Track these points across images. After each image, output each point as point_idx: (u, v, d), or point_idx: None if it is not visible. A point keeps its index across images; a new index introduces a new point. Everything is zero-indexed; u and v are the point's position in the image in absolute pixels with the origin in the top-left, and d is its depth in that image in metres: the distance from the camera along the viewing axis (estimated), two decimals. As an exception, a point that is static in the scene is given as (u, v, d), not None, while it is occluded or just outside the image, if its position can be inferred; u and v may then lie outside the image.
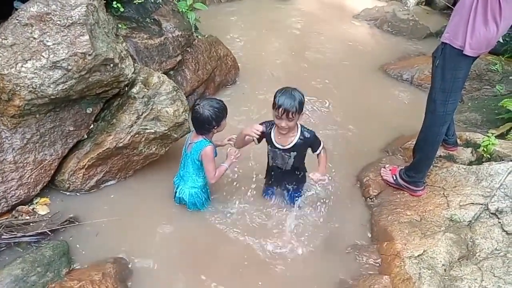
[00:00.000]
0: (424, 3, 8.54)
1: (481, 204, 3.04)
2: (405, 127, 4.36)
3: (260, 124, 2.88)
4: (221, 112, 2.92)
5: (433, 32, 6.99)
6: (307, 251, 2.98)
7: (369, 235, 3.18)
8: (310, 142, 2.91)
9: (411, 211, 3.19)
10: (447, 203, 3.15)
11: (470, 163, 3.52)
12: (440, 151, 3.55)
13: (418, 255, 2.80)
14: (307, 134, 2.88)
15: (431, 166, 3.40)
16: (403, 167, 3.44)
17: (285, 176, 3.11)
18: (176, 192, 3.13)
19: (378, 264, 2.92)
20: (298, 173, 3.11)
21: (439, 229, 2.98)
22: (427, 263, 2.74)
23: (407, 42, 6.76)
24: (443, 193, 3.25)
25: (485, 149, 3.47)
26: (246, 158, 3.43)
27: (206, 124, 2.88)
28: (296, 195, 3.23)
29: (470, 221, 3.00)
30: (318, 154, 2.97)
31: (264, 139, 2.97)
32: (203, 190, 3.12)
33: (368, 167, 3.80)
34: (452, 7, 2.91)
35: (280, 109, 2.63)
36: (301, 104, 2.68)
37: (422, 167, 3.28)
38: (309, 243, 3.04)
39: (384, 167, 3.63)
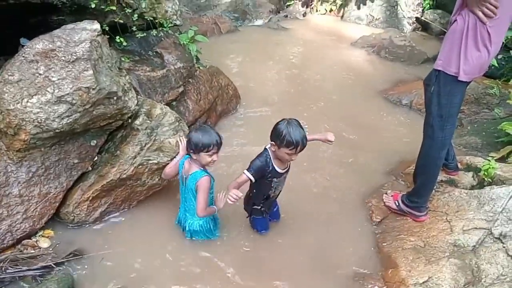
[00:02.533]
0: (420, 29, 8.69)
1: (485, 229, 3.04)
2: (406, 152, 4.39)
3: (256, 159, 2.81)
4: (194, 143, 2.78)
5: (430, 57, 7.08)
6: (309, 279, 2.96)
7: (374, 262, 3.16)
8: None
9: (414, 237, 3.19)
10: (451, 228, 3.15)
11: (472, 187, 3.54)
12: (441, 176, 3.57)
13: (423, 282, 2.78)
14: None
15: (433, 191, 3.41)
16: (405, 193, 3.45)
17: (277, 196, 3.14)
18: (185, 227, 3.10)
19: (383, 292, 2.90)
20: None
21: (443, 254, 2.97)
22: (433, 290, 2.72)
23: (405, 68, 6.85)
24: (446, 218, 3.25)
25: (486, 173, 3.49)
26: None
27: (188, 142, 2.85)
28: (276, 208, 3.30)
29: (474, 246, 2.99)
30: None
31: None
32: (211, 218, 3.12)
33: (371, 193, 3.81)
34: (447, 32, 2.98)
35: (299, 147, 2.62)
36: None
37: (424, 192, 3.30)
38: (312, 270, 3.02)
39: (386, 193, 3.65)
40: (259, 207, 3.09)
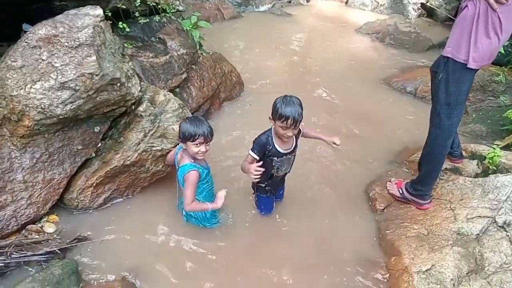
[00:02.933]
0: (425, 15, 8.62)
1: (489, 217, 3.04)
2: (410, 140, 4.39)
3: (258, 137, 2.83)
4: (182, 133, 2.75)
5: (435, 43, 7.04)
6: (314, 267, 2.97)
7: (377, 249, 3.16)
8: (298, 132, 2.92)
9: (418, 225, 3.19)
10: (454, 216, 3.15)
11: (476, 176, 3.52)
12: (446, 164, 3.56)
13: (426, 270, 2.79)
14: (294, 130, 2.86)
15: (437, 179, 3.40)
16: (409, 181, 3.44)
17: (283, 177, 3.15)
18: (184, 213, 3.12)
19: (386, 280, 2.90)
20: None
21: (446, 243, 2.97)
22: (436, 278, 2.73)
23: (410, 55, 6.81)
24: (450, 206, 3.25)
25: (490, 161, 3.47)
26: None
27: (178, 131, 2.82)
28: (282, 190, 3.36)
29: (478, 234, 2.99)
30: (303, 132, 2.99)
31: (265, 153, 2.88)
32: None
33: (374, 180, 3.81)
34: (454, 18, 2.93)
35: (289, 120, 2.60)
36: (302, 109, 2.69)
37: (428, 180, 3.29)
38: (316, 258, 3.04)
39: (390, 181, 3.64)
40: (263, 185, 3.11)
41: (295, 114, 2.60)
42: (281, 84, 5.38)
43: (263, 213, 3.29)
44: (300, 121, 2.65)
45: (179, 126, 2.83)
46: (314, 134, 3.07)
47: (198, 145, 2.75)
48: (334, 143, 2.95)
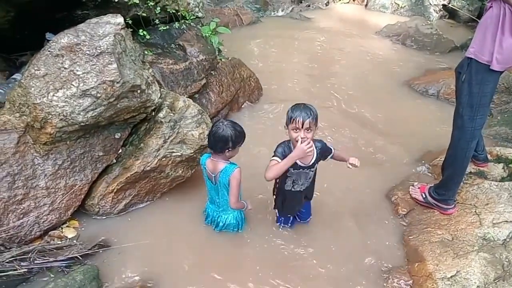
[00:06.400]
0: (447, 17, 8.48)
1: (516, 222, 2.95)
2: (433, 143, 4.30)
3: (277, 145, 2.82)
4: (241, 136, 2.84)
5: (458, 45, 6.91)
6: (335, 273, 2.93)
7: (400, 255, 3.10)
8: (324, 150, 2.90)
9: (442, 230, 3.11)
10: (480, 221, 3.06)
11: (502, 179, 3.43)
12: (470, 168, 3.48)
13: (451, 276, 2.72)
14: (318, 144, 2.86)
15: (462, 183, 3.32)
16: (432, 185, 3.37)
17: (301, 195, 3.03)
18: (219, 222, 3.11)
19: (409, 286, 2.84)
20: (314, 182, 3.07)
21: (472, 248, 2.89)
22: (461, 284, 2.65)
23: (432, 57, 6.70)
24: (475, 211, 3.16)
25: (517, 165, 3.38)
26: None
27: (222, 143, 2.78)
28: (306, 212, 3.27)
29: (504, 239, 2.90)
30: (334, 154, 2.95)
31: None
32: (242, 210, 3.14)
33: (397, 185, 3.74)
34: (477, 20, 2.86)
35: (298, 119, 2.60)
36: (316, 115, 2.67)
37: (452, 185, 3.21)
38: (338, 264, 2.99)
39: (413, 185, 3.57)
40: (280, 201, 3.08)
41: (303, 114, 2.61)
42: (300, 88, 5.37)
43: (281, 225, 3.22)
44: (310, 122, 2.61)
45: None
46: (342, 156, 2.99)
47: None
48: (352, 164, 2.87)
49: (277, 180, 2.99)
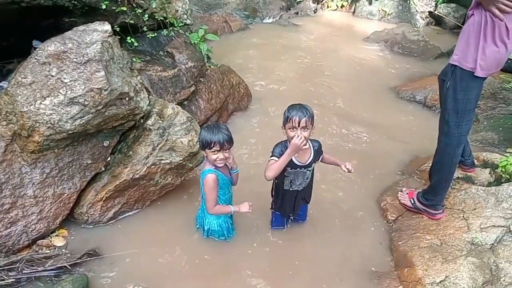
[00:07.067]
0: (434, 23, 8.60)
1: (503, 227, 2.98)
2: (420, 149, 4.35)
3: (275, 146, 2.86)
4: (204, 141, 2.71)
5: (444, 51, 7.00)
6: (324, 278, 2.93)
7: (389, 260, 3.12)
8: (319, 150, 2.96)
9: (431, 235, 3.14)
10: (468, 226, 3.10)
11: (489, 184, 3.47)
12: (458, 173, 3.51)
13: (440, 281, 2.74)
14: (315, 144, 2.94)
15: (449, 188, 3.35)
16: (421, 190, 3.40)
17: (299, 195, 3.06)
18: (204, 226, 3.08)
19: (399, 291, 2.86)
20: (312, 185, 3.11)
21: (460, 253, 2.92)
22: (450, 289, 2.67)
23: (418, 63, 6.78)
24: (463, 216, 3.20)
25: (503, 170, 3.42)
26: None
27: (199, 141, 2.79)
28: (302, 215, 3.31)
29: (492, 244, 2.94)
30: (323, 157, 3.02)
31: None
32: (229, 216, 3.09)
33: (385, 190, 3.77)
34: (462, 26, 2.92)
35: (294, 118, 2.65)
36: (312, 114, 2.73)
37: (440, 190, 3.24)
38: (326, 270, 3.00)
39: (401, 191, 3.60)
40: (274, 205, 3.14)
41: (299, 113, 2.66)
42: (290, 94, 5.37)
43: (273, 227, 3.26)
44: (306, 120, 2.65)
45: (199, 134, 2.82)
46: (333, 160, 3.08)
47: (215, 152, 2.73)
48: (347, 168, 2.94)
49: (276, 181, 3.02)
